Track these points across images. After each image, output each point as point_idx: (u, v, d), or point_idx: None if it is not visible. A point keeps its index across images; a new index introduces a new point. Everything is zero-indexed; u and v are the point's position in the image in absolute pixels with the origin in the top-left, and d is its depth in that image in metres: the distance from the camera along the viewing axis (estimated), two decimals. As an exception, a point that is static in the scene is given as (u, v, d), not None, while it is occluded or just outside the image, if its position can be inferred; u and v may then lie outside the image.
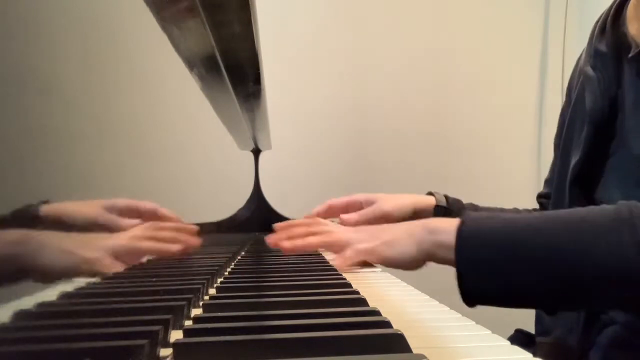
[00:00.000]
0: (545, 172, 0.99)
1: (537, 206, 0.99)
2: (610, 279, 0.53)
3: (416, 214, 0.93)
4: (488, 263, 0.58)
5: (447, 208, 0.94)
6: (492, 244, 0.58)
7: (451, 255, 0.59)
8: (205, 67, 0.67)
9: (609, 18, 0.77)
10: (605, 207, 0.57)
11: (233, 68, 0.68)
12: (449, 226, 0.62)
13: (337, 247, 0.76)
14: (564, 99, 0.92)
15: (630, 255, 0.52)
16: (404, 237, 0.69)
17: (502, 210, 0.95)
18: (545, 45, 1.84)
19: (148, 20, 0.54)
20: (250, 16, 0.55)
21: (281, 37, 1.69)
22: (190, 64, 0.68)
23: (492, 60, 1.83)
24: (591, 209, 0.59)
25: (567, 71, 1.79)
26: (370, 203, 0.95)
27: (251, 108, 0.87)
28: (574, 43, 1.81)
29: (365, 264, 0.74)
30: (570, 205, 0.77)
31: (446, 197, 0.97)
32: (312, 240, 0.79)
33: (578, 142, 0.78)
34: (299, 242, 0.78)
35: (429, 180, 1.76)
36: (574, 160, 0.77)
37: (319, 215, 0.97)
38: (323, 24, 1.76)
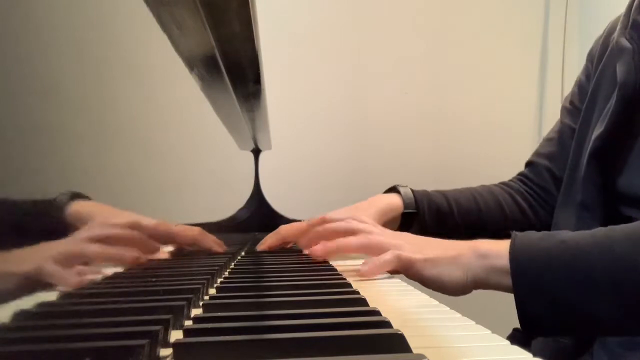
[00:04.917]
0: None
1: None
2: None
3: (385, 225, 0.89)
4: (551, 288, 0.54)
5: (415, 213, 0.90)
6: (552, 266, 0.54)
7: (506, 280, 0.56)
8: (205, 67, 0.67)
9: None
10: None
11: (233, 68, 0.67)
12: (501, 249, 0.58)
13: (377, 251, 0.67)
14: (583, 66, 0.90)
15: None
16: (448, 258, 0.62)
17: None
18: (545, 45, 1.84)
19: (148, 20, 0.54)
20: (250, 16, 0.55)
21: (281, 37, 1.69)
22: (190, 64, 0.68)
23: (492, 60, 1.83)
24: None
25: (567, 71, 1.80)
26: None
27: (251, 108, 0.87)
28: (574, 43, 1.81)
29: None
30: (585, 182, 0.74)
31: (413, 192, 0.92)
32: (348, 242, 0.70)
33: (602, 114, 0.74)
34: (331, 245, 0.70)
35: (428, 180, 1.76)
36: (596, 132, 0.74)
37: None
38: (323, 23, 1.76)
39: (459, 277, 0.61)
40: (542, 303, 0.55)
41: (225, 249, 0.86)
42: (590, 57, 0.88)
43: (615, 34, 0.76)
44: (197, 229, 0.84)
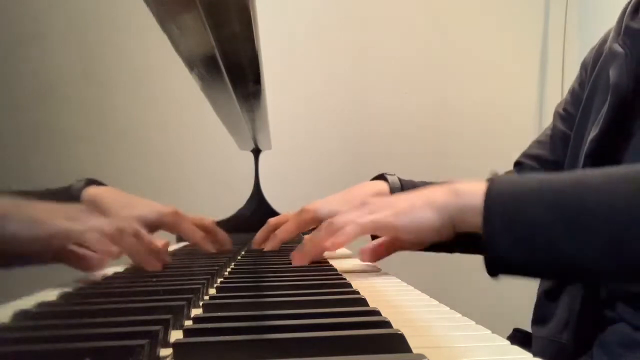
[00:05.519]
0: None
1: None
2: None
3: None
4: (525, 224, 0.50)
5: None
6: (531, 201, 0.51)
7: (480, 218, 0.52)
8: (205, 67, 0.67)
9: None
10: None
11: (233, 68, 0.67)
12: (479, 187, 0.54)
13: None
14: (577, 74, 0.91)
15: None
16: (422, 203, 0.59)
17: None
18: (545, 45, 1.84)
19: (148, 20, 0.54)
20: (250, 16, 0.55)
21: (281, 37, 1.69)
22: (190, 64, 0.68)
23: (492, 60, 1.83)
24: None
25: (567, 71, 1.80)
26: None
27: (251, 108, 0.87)
28: (574, 43, 1.81)
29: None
30: None
31: (400, 180, 0.92)
32: (317, 239, 0.68)
33: (597, 118, 0.76)
34: (306, 248, 0.70)
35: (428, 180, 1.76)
36: (591, 135, 0.75)
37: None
38: (323, 24, 1.76)
39: (434, 219, 0.58)
40: (513, 234, 0.51)
41: (227, 248, 0.86)
42: (584, 65, 0.89)
43: (609, 41, 0.78)
44: (201, 234, 0.84)
